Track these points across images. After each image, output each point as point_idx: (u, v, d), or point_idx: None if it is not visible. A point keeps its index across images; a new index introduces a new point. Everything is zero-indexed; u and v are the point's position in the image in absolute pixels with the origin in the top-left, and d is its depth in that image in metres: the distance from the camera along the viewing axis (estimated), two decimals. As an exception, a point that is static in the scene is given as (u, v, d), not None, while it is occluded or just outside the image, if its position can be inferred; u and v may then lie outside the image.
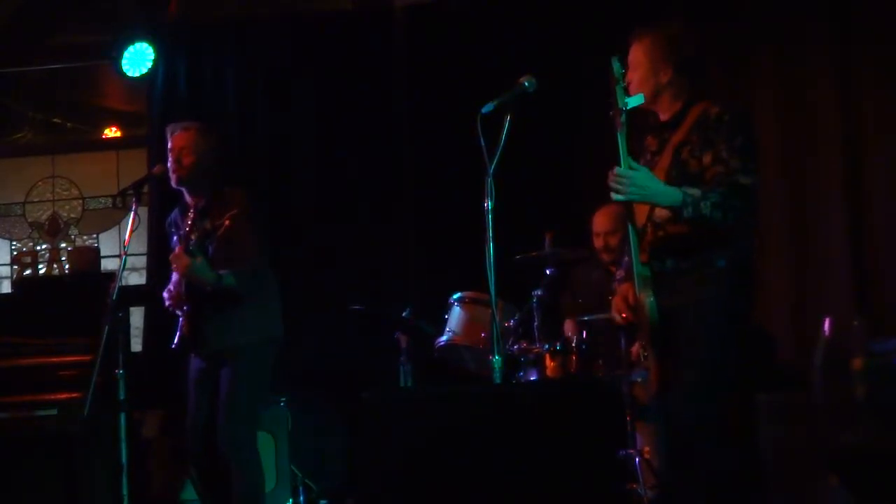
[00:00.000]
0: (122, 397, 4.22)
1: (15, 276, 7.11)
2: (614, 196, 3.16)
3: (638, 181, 3.11)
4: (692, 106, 3.26)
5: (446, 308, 4.92)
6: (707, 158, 3.13)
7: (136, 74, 6.05)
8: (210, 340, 4.28)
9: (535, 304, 4.75)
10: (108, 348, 4.10)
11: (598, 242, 5.00)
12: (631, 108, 3.21)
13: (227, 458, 4.20)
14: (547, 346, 4.68)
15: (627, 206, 3.22)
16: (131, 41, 6.02)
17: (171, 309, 4.34)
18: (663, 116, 3.34)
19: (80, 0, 6.41)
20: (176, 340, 4.30)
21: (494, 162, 3.32)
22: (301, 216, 5.99)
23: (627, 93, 3.23)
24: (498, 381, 3.36)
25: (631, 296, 3.29)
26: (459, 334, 4.81)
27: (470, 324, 4.81)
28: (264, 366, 4.35)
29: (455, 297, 4.89)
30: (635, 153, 3.30)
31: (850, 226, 5.11)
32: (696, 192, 3.08)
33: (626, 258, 3.38)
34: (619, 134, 3.19)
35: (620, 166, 3.16)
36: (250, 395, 4.29)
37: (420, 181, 5.92)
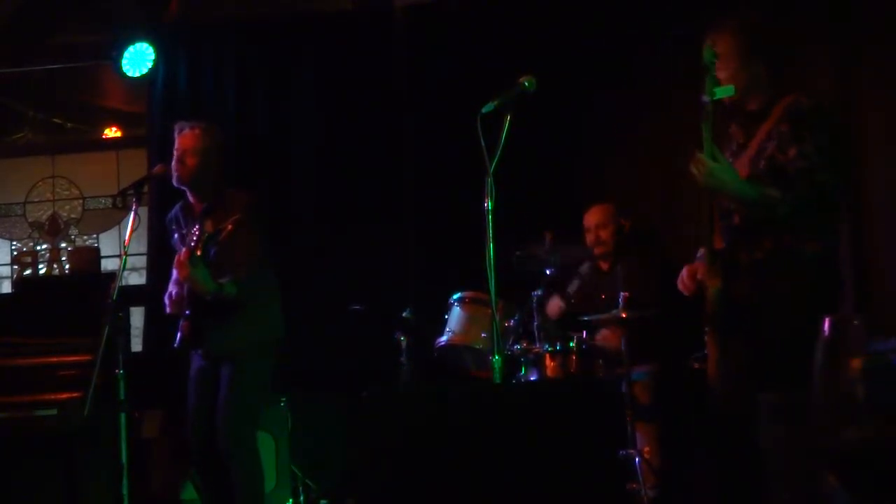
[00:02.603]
0: (122, 397, 4.21)
1: (15, 275, 7.12)
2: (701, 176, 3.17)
3: (715, 173, 3.13)
4: (782, 97, 3.25)
5: (446, 308, 4.92)
6: (792, 151, 3.13)
7: (137, 74, 6.06)
8: (211, 342, 4.28)
9: (535, 305, 4.76)
10: (108, 348, 4.09)
11: (589, 238, 5.11)
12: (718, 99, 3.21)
13: (227, 458, 4.20)
14: (547, 346, 4.69)
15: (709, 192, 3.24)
16: (131, 41, 6.03)
17: (171, 312, 4.34)
18: (751, 107, 3.32)
19: (80, 0, 6.40)
20: (178, 340, 4.30)
21: (494, 162, 3.32)
22: (301, 216, 5.99)
23: (717, 83, 3.22)
24: (498, 381, 3.36)
25: (700, 272, 3.30)
26: (459, 334, 4.82)
27: (470, 324, 4.81)
28: (265, 367, 4.36)
29: (455, 297, 4.90)
30: (720, 143, 3.30)
31: (850, 226, 5.10)
32: (775, 193, 3.09)
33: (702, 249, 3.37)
34: (703, 123, 3.20)
35: (704, 153, 3.18)
36: (250, 396, 4.29)
37: (420, 181, 5.92)
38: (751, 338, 3.15)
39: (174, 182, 4.36)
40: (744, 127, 3.36)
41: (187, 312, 4.25)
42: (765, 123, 3.25)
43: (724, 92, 3.22)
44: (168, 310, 4.35)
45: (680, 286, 3.42)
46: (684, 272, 3.40)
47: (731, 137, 3.42)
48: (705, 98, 3.21)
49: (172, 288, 4.33)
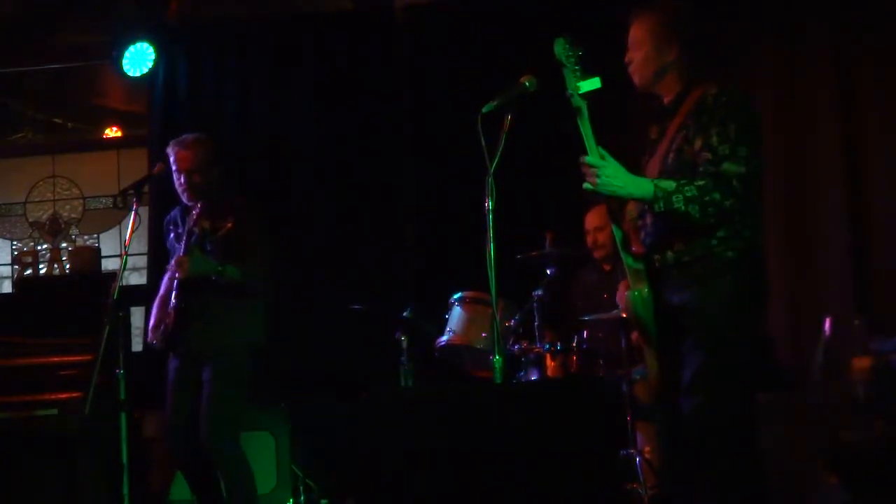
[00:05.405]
0: (122, 397, 4.23)
1: (16, 275, 7.11)
2: (585, 185, 3.08)
3: (606, 173, 3.03)
4: (693, 89, 3.12)
5: (446, 308, 4.92)
6: (698, 143, 2.99)
7: (137, 74, 6.06)
8: (192, 341, 4.29)
9: (535, 304, 4.75)
10: (108, 348, 4.11)
11: (588, 240, 5.09)
12: (586, 92, 3.11)
13: (214, 463, 4.22)
14: (547, 346, 4.69)
15: (611, 199, 3.13)
16: (131, 41, 6.03)
17: (151, 340, 4.37)
18: (666, 99, 3.22)
19: (80, 0, 6.40)
20: (153, 333, 4.34)
21: (495, 162, 3.31)
22: (301, 216, 5.99)
23: (579, 76, 3.13)
24: (498, 380, 3.36)
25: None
26: (460, 334, 4.81)
27: (470, 324, 4.81)
28: (243, 370, 4.35)
29: (455, 296, 4.89)
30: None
31: (850, 225, 5.11)
32: (669, 184, 2.95)
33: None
34: (578, 121, 3.11)
35: (587, 155, 3.07)
36: (230, 398, 4.29)
37: (420, 181, 5.92)
38: (684, 342, 3.02)
39: (185, 200, 4.39)
40: (658, 123, 3.25)
41: (174, 303, 4.26)
42: (676, 118, 3.14)
43: (590, 85, 3.09)
44: (149, 337, 4.36)
45: (622, 306, 3.34)
46: (619, 295, 3.31)
47: (647, 136, 3.32)
48: (568, 93, 3.10)
49: (154, 313, 4.36)
